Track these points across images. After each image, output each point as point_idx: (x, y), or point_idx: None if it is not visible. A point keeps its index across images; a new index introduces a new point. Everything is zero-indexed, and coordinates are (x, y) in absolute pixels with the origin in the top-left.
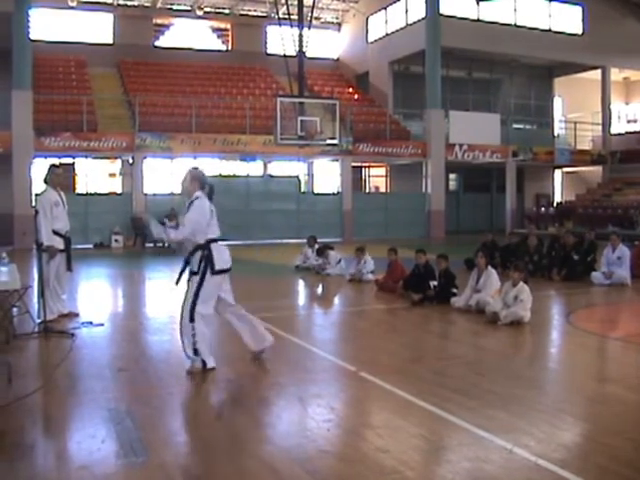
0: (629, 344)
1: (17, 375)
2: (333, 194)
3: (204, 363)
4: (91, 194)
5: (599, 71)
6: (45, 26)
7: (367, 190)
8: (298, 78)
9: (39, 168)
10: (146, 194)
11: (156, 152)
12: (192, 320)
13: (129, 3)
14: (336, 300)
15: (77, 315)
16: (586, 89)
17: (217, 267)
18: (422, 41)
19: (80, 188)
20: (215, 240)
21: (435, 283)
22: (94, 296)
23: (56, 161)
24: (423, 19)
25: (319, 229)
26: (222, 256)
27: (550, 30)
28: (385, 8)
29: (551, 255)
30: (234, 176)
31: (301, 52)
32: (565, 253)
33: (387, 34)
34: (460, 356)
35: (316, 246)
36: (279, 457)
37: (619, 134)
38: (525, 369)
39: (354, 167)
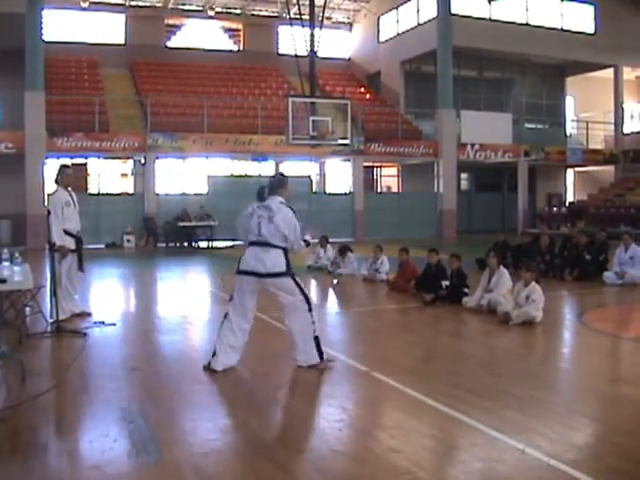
0: None
1: (30, 374)
2: (345, 194)
3: (210, 361)
4: (103, 194)
5: (611, 70)
6: (57, 27)
7: (379, 190)
8: (310, 78)
9: (52, 168)
10: (158, 194)
11: (168, 152)
12: (225, 315)
13: (141, 4)
14: (348, 300)
15: (89, 315)
16: (598, 88)
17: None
18: (433, 41)
19: (92, 188)
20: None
21: (447, 283)
22: (106, 296)
23: (67, 161)
24: (434, 19)
25: (331, 229)
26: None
27: (562, 29)
28: (396, 8)
29: (563, 255)
30: (246, 176)
31: (312, 52)
32: (577, 253)
33: (398, 34)
34: (472, 356)
35: (328, 246)
36: (291, 457)
37: (632, 133)
38: (538, 369)
39: (366, 167)
